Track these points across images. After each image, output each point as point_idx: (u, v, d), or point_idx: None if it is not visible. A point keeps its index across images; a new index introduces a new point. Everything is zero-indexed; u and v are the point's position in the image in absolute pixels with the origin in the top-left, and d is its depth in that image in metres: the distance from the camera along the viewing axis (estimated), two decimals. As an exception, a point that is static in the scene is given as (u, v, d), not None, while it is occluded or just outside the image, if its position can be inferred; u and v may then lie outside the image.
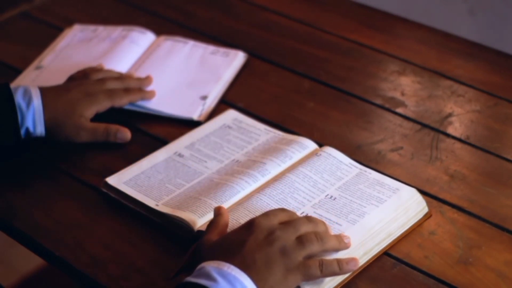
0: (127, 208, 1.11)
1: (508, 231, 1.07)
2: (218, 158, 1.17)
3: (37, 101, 1.17)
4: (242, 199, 1.08)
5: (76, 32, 1.46)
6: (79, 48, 1.41)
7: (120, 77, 1.28)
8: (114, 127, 1.21)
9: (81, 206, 1.12)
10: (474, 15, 2.23)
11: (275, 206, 1.06)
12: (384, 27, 1.50)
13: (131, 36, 1.42)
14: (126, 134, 1.22)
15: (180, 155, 1.18)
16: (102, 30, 1.46)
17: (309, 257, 0.96)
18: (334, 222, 1.04)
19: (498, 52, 1.42)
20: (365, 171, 1.13)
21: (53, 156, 1.20)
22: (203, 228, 1.03)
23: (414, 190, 1.09)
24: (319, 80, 1.36)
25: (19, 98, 1.16)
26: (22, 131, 1.16)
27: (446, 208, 1.10)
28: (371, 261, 1.02)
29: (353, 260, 0.98)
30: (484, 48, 1.43)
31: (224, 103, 1.31)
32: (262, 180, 1.11)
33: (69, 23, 1.49)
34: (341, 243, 0.99)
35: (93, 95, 1.22)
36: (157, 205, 1.09)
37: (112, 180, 1.13)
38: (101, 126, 1.21)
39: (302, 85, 1.35)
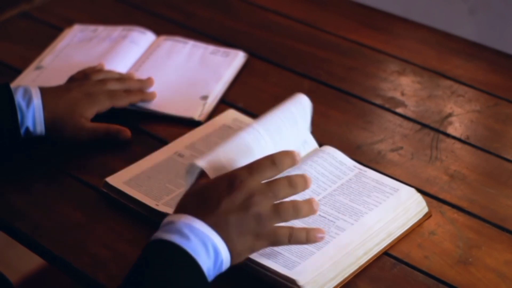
0: (127, 208, 1.11)
1: (508, 231, 1.07)
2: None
3: (37, 101, 1.17)
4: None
5: (76, 32, 1.46)
6: (79, 48, 1.41)
7: (121, 78, 1.29)
8: (114, 127, 1.21)
9: (81, 206, 1.12)
10: (474, 15, 2.23)
11: (275, 206, 1.06)
12: (384, 27, 1.50)
13: (131, 36, 1.42)
14: (126, 134, 1.22)
15: (180, 155, 1.18)
16: (102, 30, 1.46)
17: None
18: (333, 221, 1.04)
19: (498, 52, 1.42)
20: (365, 171, 1.13)
21: (53, 156, 1.20)
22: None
23: (414, 190, 1.09)
24: (319, 80, 1.36)
25: (19, 98, 1.16)
26: (22, 131, 1.16)
27: (446, 208, 1.10)
28: (371, 261, 1.02)
29: (322, 231, 0.98)
30: (484, 48, 1.43)
31: (224, 103, 1.31)
32: (262, 180, 1.11)
33: (69, 23, 1.49)
34: (311, 210, 0.98)
35: (93, 95, 1.22)
36: (157, 205, 1.09)
37: (112, 180, 1.13)
38: (102, 126, 1.21)
39: (302, 85, 1.35)
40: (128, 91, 1.26)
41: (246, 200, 0.94)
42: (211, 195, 0.95)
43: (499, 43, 1.51)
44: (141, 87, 1.29)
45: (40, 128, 1.17)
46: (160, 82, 1.32)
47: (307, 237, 0.97)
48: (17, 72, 1.37)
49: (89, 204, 1.13)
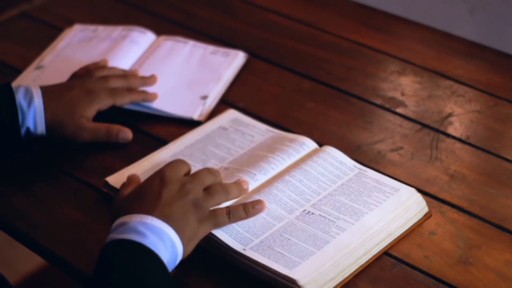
0: (127, 208, 1.11)
1: (508, 231, 1.07)
2: (218, 158, 1.17)
3: (38, 101, 1.17)
4: (242, 198, 1.08)
5: (76, 32, 1.46)
6: (79, 48, 1.41)
7: (124, 75, 1.29)
8: (115, 127, 1.21)
9: (81, 206, 1.12)
10: (474, 15, 2.23)
11: (275, 205, 1.06)
12: (384, 27, 1.50)
13: (131, 36, 1.42)
14: (127, 134, 1.21)
15: (180, 155, 1.17)
16: (102, 30, 1.46)
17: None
18: (333, 221, 1.04)
19: (498, 52, 1.42)
20: (365, 171, 1.13)
21: (53, 156, 1.20)
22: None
23: (414, 190, 1.09)
24: (319, 80, 1.36)
25: (20, 98, 1.16)
26: (23, 131, 1.16)
27: (446, 208, 1.10)
28: (371, 261, 1.02)
29: (258, 202, 1.04)
30: (484, 48, 1.43)
31: (224, 103, 1.31)
32: (262, 179, 1.11)
33: (69, 23, 1.49)
34: (240, 190, 1.05)
35: (94, 93, 1.22)
36: (157, 205, 1.09)
37: (112, 180, 1.13)
38: (103, 126, 1.21)
39: (302, 85, 1.35)
40: (130, 89, 1.26)
41: (181, 188, 1.00)
42: (149, 192, 0.99)
43: (499, 43, 1.52)
44: (144, 84, 1.29)
45: (40, 128, 1.17)
46: (160, 82, 1.32)
47: (246, 211, 1.03)
48: (17, 72, 1.37)
49: (89, 204, 1.13)
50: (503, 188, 1.14)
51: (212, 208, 1.01)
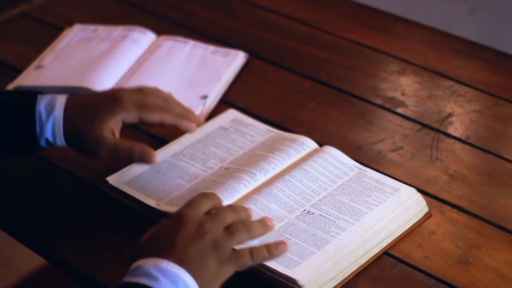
0: (128, 207, 1.11)
1: (508, 231, 1.07)
2: (218, 158, 1.17)
3: (58, 112, 1.10)
4: (242, 198, 1.08)
5: (76, 32, 1.46)
6: (79, 48, 1.41)
7: (170, 100, 1.17)
8: (139, 146, 1.10)
9: (81, 206, 1.12)
10: (474, 15, 2.23)
11: (275, 205, 1.06)
12: (384, 27, 1.50)
13: (131, 36, 1.42)
14: (152, 155, 1.10)
15: (180, 155, 1.18)
16: (102, 30, 1.46)
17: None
18: (334, 221, 1.04)
19: (498, 52, 1.42)
20: (365, 171, 1.13)
21: (53, 156, 1.20)
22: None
23: (414, 190, 1.09)
24: (319, 80, 1.36)
25: (41, 108, 1.11)
26: (42, 142, 1.11)
27: (446, 208, 1.10)
28: (371, 261, 1.02)
29: (282, 243, 0.97)
30: (484, 48, 1.43)
31: (224, 103, 1.31)
32: (262, 179, 1.11)
33: (69, 23, 1.49)
34: (265, 228, 0.98)
35: (120, 100, 1.11)
36: (158, 204, 1.09)
37: (112, 179, 1.13)
38: (125, 143, 1.10)
39: (302, 85, 1.36)
40: (163, 108, 1.14)
41: (198, 229, 0.94)
42: (164, 236, 0.94)
43: (499, 43, 1.52)
44: (184, 113, 1.16)
45: (60, 140, 1.11)
46: (160, 82, 1.32)
47: (269, 252, 0.97)
48: (17, 72, 1.37)
49: (89, 204, 1.13)
50: (503, 188, 1.14)
51: (235, 248, 0.95)
